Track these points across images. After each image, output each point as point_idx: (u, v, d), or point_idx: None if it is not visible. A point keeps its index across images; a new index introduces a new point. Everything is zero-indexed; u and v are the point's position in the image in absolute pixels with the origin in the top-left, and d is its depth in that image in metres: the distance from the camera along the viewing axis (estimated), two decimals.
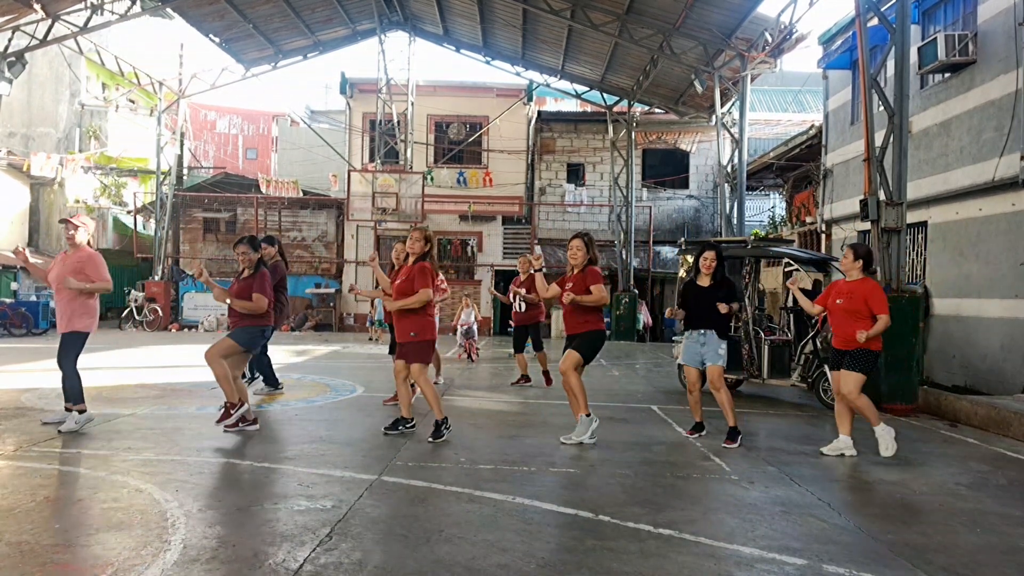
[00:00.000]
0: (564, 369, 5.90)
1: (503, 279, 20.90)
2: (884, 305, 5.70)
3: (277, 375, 8.50)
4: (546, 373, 9.47)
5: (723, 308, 5.99)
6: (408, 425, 6.11)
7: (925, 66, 10.89)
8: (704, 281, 6.31)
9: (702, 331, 6.20)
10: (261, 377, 8.32)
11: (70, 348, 5.87)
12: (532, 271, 6.05)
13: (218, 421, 6.07)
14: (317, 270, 22.91)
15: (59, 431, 5.74)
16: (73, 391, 5.84)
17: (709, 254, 6.34)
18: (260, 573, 3.12)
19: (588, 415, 5.93)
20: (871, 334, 5.57)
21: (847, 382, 5.76)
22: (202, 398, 7.76)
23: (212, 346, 6.04)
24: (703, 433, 6.38)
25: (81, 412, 5.87)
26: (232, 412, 6.02)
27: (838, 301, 5.84)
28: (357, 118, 23.03)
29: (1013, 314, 9.53)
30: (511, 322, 10.32)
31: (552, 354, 9.75)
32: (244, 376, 7.96)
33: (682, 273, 10.56)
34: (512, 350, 10.24)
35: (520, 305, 9.62)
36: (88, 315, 5.93)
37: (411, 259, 6.09)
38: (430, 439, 5.84)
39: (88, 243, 6.13)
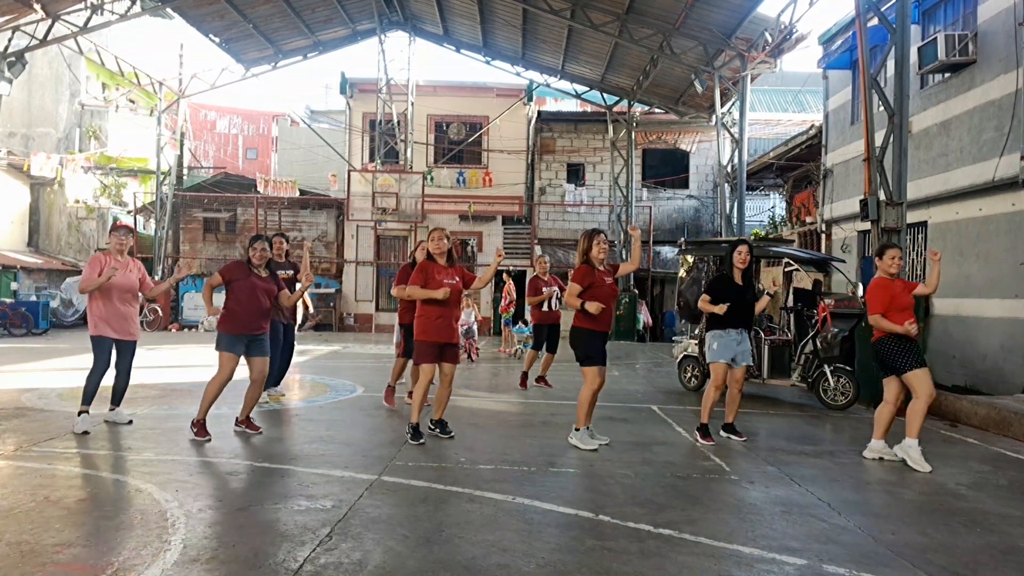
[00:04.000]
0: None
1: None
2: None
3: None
4: (541, 378, 9.40)
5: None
6: (404, 427, 6.13)
7: (925, 66, 10.89)
8: (738, 278, 6.28)
9: (740, 330, 6.22)
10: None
11: (133, 355, 6.30)
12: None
13: (252, 430, 6.03)
14: (317, 270, 22.91)
15: (128, 422, 6.26)
16: (124, 393, 6.37)
17: (743, 248, 6.31)
18: (260, 573, 3.12)
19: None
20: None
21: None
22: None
23: (262, 369, 5.99)
24: (712, 437, 6.19)
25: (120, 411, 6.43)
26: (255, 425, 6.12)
27: (911, 295, 5.73)
28: (357, 118, 23.03)
29: (1013, 314, 9.53)
30: (529, 319, 10.05)
31: (559, 352, 9.64)
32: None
33: (682, 273, 10.52)
34: (530, 345, 10.05)
35: (555, 304, 9.44)
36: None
37: (438, 259, 5.95)
38: (450, 435, 6.00)
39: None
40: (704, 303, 6.16)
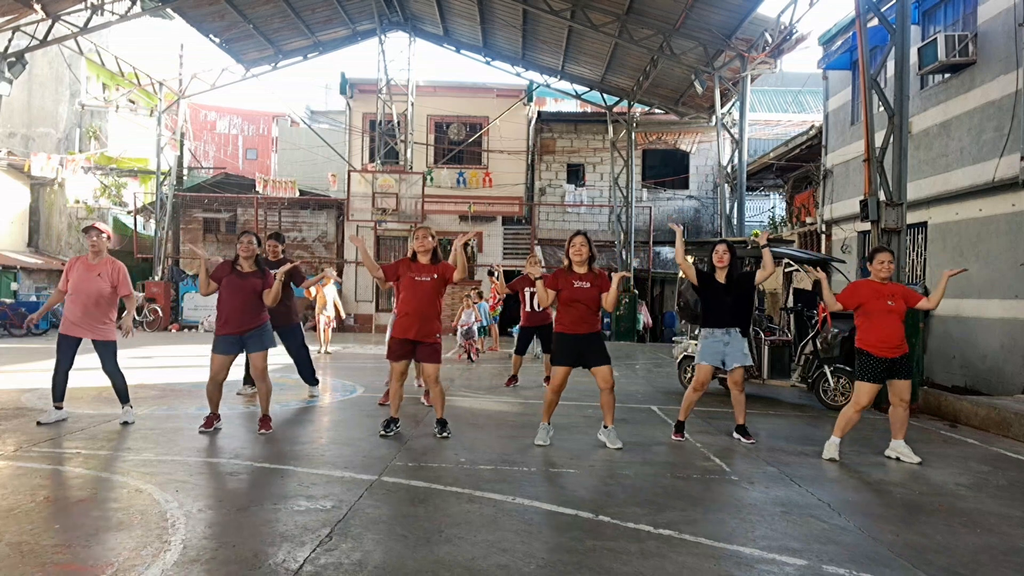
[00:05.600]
0: (612, 382, 5.76)
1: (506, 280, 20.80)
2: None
3: (277, 375, 8.49)
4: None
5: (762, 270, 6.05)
6: (397, 425, 6.16)
7: (925, 66, 10.89)
8: (721, 278, 6.21)
9: (725, 330, 6.14)
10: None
11: (112, 353, 6.27)
12: (533, 277, 5.92)
13: (267, 429, 6.07)
14: (317, 270, 22.89)
15: (122, 423, 6.22)
16: (125, 390, 6.37)
17: (721, 248, 6.27)
18: (260, 573, 3.11)
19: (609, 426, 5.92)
20: (935, 302, 5.87)
21: (908, 389, 5.64)
22: (202, 399, 7.70)
23: (260, 364, 6.04)
24: (685, 435, 6.33)
25: (131, 406, 6.41)
26: (271, 424, 6.15)
27: (889, 303, 5.60)
28: (357, 118, 23.03)
29: (1013, 314, 9.53)
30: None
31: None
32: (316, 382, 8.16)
33: (682, 273, 10.50)
34: (512, 351, 10.14)
35: (536, 305, 9.47)
36: (114, 322, 6.37)
37: (421, 257, 6.02)
38: (444, 435, 6.00)
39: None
40: (678, 254, 6.24)
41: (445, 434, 6.02)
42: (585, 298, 5.71)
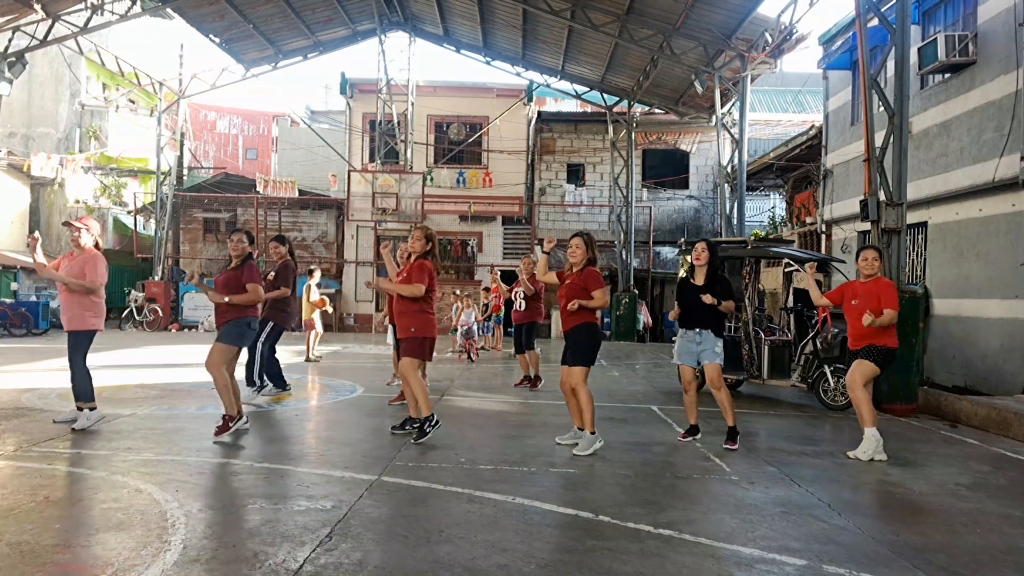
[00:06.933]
0: (575, 384, 5.62)
1: (504, 281, 20.87)
2: (894, 300, 5.78)
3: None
4: (536, 376, 9.42)
5: (708, 299, 5.87)
6: (415, 425, 6.08)
7: (925, 66, 10.89)
8: (699, 278, 6.19)
9: (697, 330, 6.10)
10: (270, 385, 8.10)
11: (79, 346, 5.97)
12: (542, 252, 6.04)
13: (217, 434, 5.72)
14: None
15: (73, 428, 5.84)
16: (83, 390, 5.96)
17: (699, 245, 6.25)
18: (260, 573, 3.11)
19: (593, 433, 5.63)
20: (877, 323, 5.58)
21: (852, 370, 5.80)
22: (202, 398, 7.75)
23: (210, 355, 5.78)
24: (697, 437, 6.24)
25: (92, 410, 5.99)
26: (231, 424, 5.78)
27: (853, 302, 5.89)
28: (357, 118, 23.04)
29: (1013, 314, 9.53)
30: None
31: (553, 355, 9.72)
32: (256, 385, 7.85)
33: (682, 273, 10.54)
34: (513, 350, 10.20)
35: (520, 304, 9.57)
36: (95, 314, 6.03)
37: (412, 257, 6.11)
38: (414, 439, 5.79)
39: (97, 244, 6.17)
40: (672, 315, 6.44)
41: (419, 438, 5.76)
42: (564, 295, 5.70)
